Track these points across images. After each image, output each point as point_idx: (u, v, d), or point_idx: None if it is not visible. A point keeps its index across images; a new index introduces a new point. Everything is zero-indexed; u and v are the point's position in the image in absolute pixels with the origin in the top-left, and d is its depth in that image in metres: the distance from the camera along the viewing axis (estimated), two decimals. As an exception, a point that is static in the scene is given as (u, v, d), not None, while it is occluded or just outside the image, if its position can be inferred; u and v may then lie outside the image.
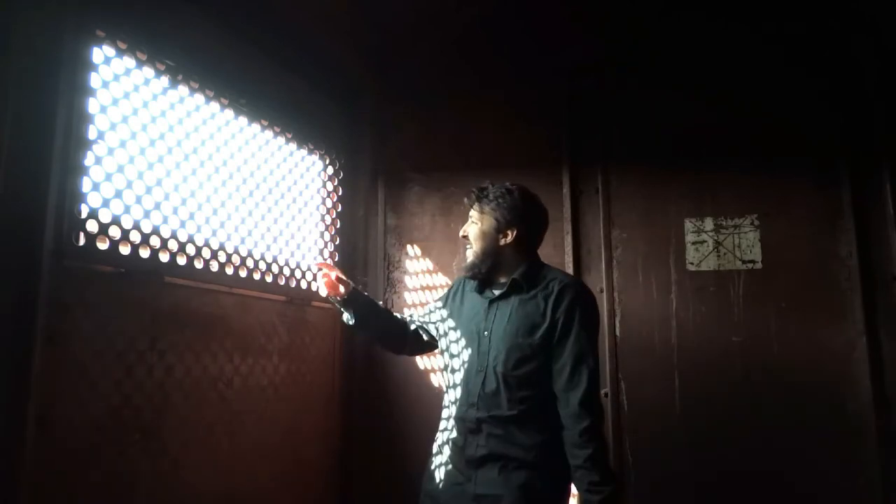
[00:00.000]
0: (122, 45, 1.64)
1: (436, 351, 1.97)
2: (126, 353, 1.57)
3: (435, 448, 1.78)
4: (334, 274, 1.88)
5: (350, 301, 1.90)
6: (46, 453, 1.35)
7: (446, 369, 1.81)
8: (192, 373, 1.78)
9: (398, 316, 2.02)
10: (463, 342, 1.77)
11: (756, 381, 2.29)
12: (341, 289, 1.88)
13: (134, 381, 1.58)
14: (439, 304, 1.94)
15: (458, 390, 1.73)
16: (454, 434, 1.71)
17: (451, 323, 1.84)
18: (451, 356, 1.80)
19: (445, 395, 1.79)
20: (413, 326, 1.97)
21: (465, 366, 1.73)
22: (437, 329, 1.91)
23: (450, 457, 1.70)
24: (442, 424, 1.78)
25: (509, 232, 1.74)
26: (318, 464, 2.36)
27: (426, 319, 1.95)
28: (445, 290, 1.97)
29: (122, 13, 1.63)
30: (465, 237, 1.81)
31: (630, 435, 2.37)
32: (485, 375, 1.67)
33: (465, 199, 1.84)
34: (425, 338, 1.96)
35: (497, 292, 1.75)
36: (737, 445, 2.28)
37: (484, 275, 1.77)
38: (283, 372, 2.17)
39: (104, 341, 1.51)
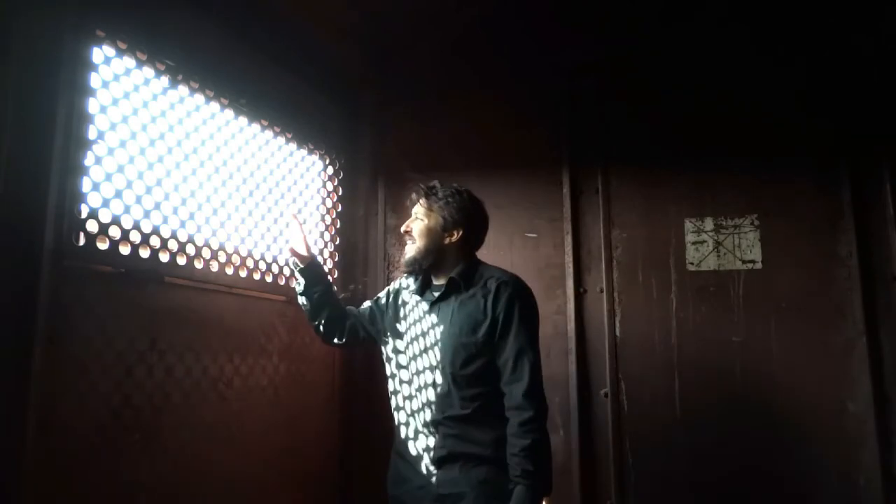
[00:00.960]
0: (122, 45, 1.64)
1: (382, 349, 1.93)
2: (126, 353, 1.57)
3: (393, 453, 1.80)
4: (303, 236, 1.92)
5: (307, 268, 1.91)
6: (47, 453, 1.35)
7: (393, 377, 1.81)
8: (192, 373, 1.78)
9: (342, 306, 2.00)
10: (409, 345, 1.78)
11: (756, 381, 2.29)
12: (304, 253, 1.91)
13: (134, 381, 1.58)
14: (375, 305, 1.93)
15: (410, 393, 1.74)
16: (411, 437, 1.72)
17: (398, 327, 1.83)
18: (397, 361, 1.80)
19: (395, 399, 1.80)
20: (351, 320, 1.95)
21: (414, 369, 1.74)
22: (375, 330, 1.90)
23: (409, 460, 1.71)
24: (398, 428, 1.79)
25: (455, 232, 1.75)
26: (318, 464, 2.36)
27: (364, 318, 1.94)
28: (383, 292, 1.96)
29: (122, 13, 1.63)
30: (408, 233, 1.79)
31: (630, 435, 2.37)
32: (434, 377, 1.69)
33: (413, 195, 1.82)
34: (361, 334, 1.94)
35: (437, 294, 1.76)
36: (736, 445, 2.27)
37: (424, 272, 1.78)
38: (283, 372, 2.17)
39: (104, 341, 1.51)
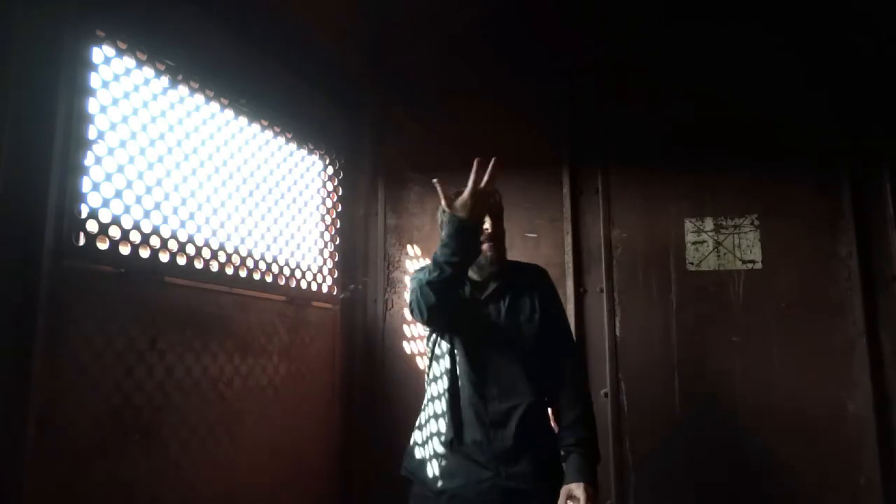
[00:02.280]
0: (122, 45, 1.64)
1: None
2: (126, 353, 1.57)
3: (431, 448, 1.74)
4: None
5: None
6: (47, 453, 1.35)
7: (452, 365, 1.73)
8: (192, 373, 1.78)
9: None
10: (464, 337, 1.73)
11: (756, 381, 2.29)
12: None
13: (134, 381, 1.58)
14: None
15: (468, 385, 1.69)
16: (469, 429, 1.66)
17: (460, 315, 1.75)
18: (456, 349, 1.73)
19: (440, 391, 1.76)
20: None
21: (473, 360, 1.70)
22: (451, 312, 1.71)
23: (466, 453, 1.65)
24: (439, 422, 1.73)
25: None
26: (318, 463, 2.36)
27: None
28: None
29: (122, 13, 1.63)
30: (495, 235, 1.75)
31: (630, 435, 2.37)
32: (499, 367, 1.68)
33: (498, 197, 1.77)
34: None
35: (491, 286, 1.75)
36: (736, 445, 2.27)
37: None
38: (283, 372, 2.17)
39: (104, 341, 1.51)
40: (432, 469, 1.72)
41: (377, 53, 2.76)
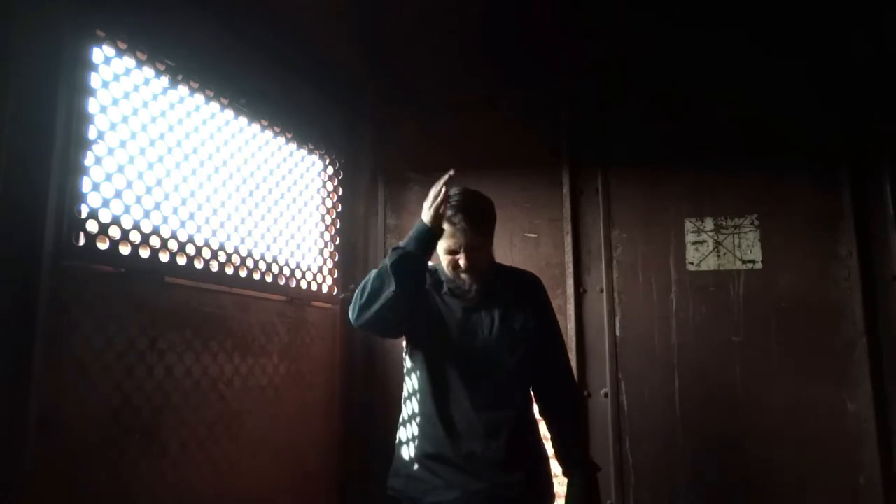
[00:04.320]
0: (122, 45, 1.64)
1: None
2: (126, 353, 1.57)
3: (421, 463, 1.65)
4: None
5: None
6: (46, 453, 1.35)
7: (426, 373, 1.67)
8: (192, 373, 1.78)
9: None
10: (452, 345, 1.67)
11: (756, 381, 2.29)
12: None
13: (134, 381, 1.58)
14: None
15: (458, 394, 1.64)
16: (462, 440, 1.61)
17: (440, 320, 1.69)
18: (434, 359, 1.67)
19: (427, 403, 1.66)
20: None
21: (463, 369, 1.65)
22: (411, 316, 1.68)
23: (459, 465, 1.60)
24: (429, 436, 1.65)
25: (493, 242, 1.71)
26: (318, 464, 2.36)
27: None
28: None
29: (122, 13, 1.63)
30: (470, 268, 1.61)
31: (630, 435, 2.37)
32: (492, 376, 1.64)
33: (463, 226, 1.58)
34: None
35: (481, 293, 1.67)
36: (736, 445, 2.27)
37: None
38: (283, 372, 2.17)
39: (104, 341, 1.51)
40: (423, 485, 1.63)
41: (377, 53, 2.76)
